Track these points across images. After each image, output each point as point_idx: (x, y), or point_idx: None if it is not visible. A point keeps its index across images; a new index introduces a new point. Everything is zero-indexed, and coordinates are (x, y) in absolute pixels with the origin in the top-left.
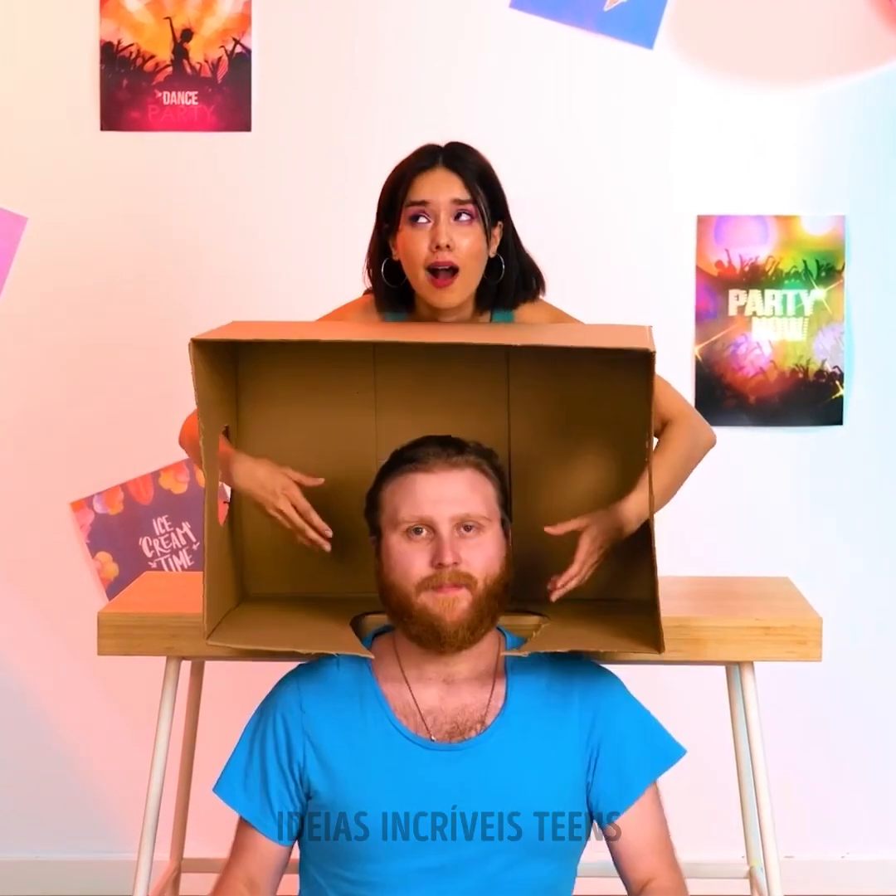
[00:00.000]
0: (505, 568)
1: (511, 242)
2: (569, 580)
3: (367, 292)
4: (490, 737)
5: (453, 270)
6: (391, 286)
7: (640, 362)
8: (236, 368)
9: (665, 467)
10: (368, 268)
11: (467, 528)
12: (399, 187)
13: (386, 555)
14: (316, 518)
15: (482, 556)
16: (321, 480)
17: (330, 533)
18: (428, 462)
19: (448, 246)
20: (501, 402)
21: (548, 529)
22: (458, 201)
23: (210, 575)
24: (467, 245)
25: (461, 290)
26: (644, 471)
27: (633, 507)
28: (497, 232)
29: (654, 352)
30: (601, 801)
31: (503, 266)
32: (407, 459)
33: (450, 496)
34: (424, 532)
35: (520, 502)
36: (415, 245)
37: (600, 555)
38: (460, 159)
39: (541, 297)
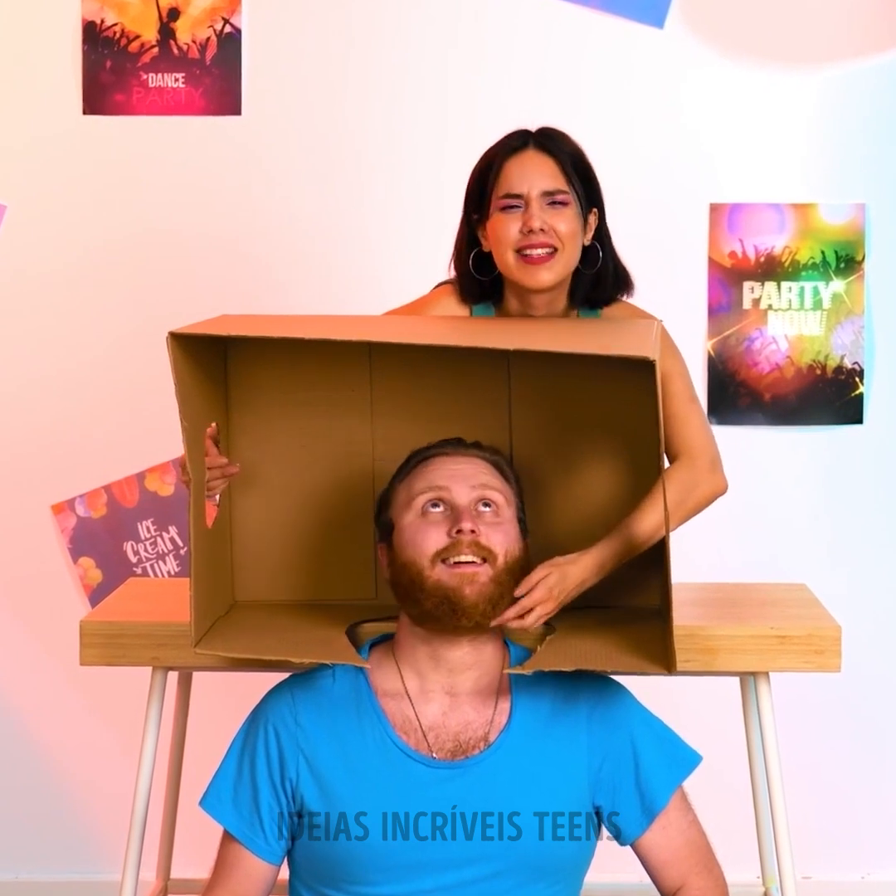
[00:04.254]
0: (524, 552)
1: (605, 232)
2: (507, 619)
3: (439, 285)
4: (493, 755)
5: (552, 251)
6: (481, 279)
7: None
8: (225, 365)
9: (651, 509)
10: (455, 260)
11: (486, 506)
12: (488, 174)
13: (399, 537)
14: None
15: (501, 532)
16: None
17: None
18: (446, 449)
19: (542, 230)
20: (502, 402)
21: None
22: (549, 193)
23: (197, 580)
24: (563, 228)
25: (560, 268)
26: (612, 529)
27: (590, 561)
28: (592, 219)
29: (655, 360)
30: (627, 823)
31: (600, 254)
32: (422, 453)
33: (468, 473)
34: (441, 507)
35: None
36: (504, 228)
37: (554, 603)
38: (552, 140)
39: (627, 299)
